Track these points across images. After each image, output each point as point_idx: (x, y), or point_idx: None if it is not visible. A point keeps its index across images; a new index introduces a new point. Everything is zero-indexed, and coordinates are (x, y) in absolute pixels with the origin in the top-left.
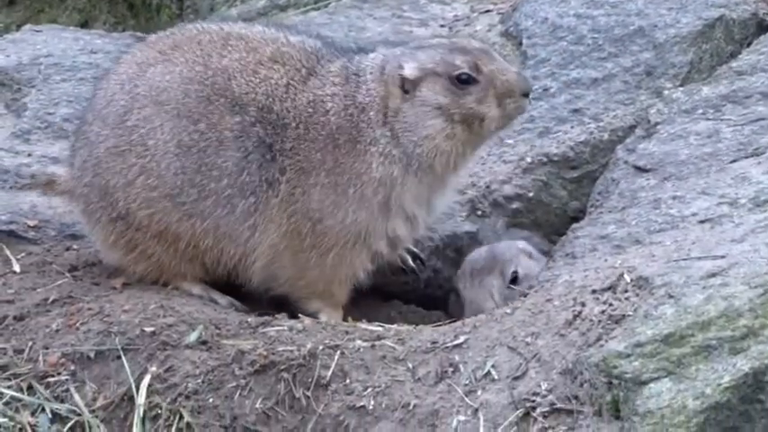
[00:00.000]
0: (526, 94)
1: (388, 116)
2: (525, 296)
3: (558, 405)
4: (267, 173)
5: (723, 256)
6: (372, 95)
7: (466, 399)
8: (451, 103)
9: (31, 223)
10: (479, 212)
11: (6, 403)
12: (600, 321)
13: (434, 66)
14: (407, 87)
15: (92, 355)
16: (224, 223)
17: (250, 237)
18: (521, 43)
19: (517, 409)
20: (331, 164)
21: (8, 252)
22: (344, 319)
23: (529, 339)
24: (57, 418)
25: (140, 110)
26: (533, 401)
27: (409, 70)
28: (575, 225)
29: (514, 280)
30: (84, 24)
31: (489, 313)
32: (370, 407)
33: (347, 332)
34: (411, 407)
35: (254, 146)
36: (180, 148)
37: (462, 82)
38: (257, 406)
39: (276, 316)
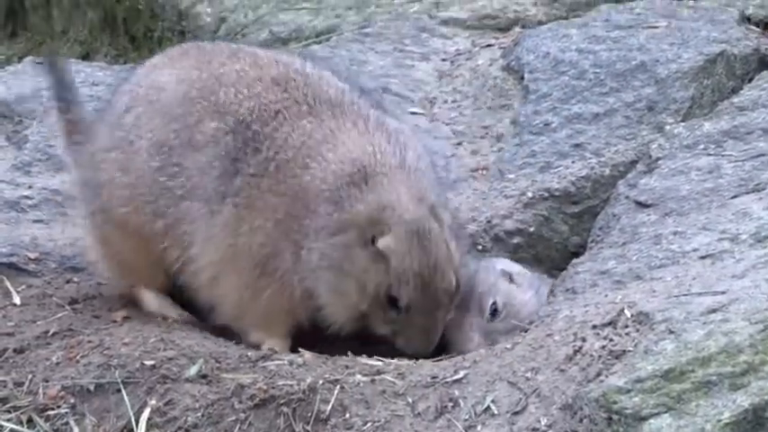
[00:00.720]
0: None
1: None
2: (526, 331)
3: None
4: (223, 186)
5: (724, 292)
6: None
7: None
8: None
9: (32, 256)
10: (480, 247)
11: None
12: (600, 357)
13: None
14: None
15: (92, 388)
16: (175, 224)
17: (191, 243)
18: (522, 78)
19: None
20: (282, 215)
21: (8, 284)
22: (293, 350)
23: (529, 374)
24: None
25: (136, 109)
26: None
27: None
28: (575, 260)
29: (494, 312)
30: (86, 57)
31: (489, 348)
32: None
33: (347, 366)
34: None
35: (220, 154)
36: (154, 146)
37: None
38: None
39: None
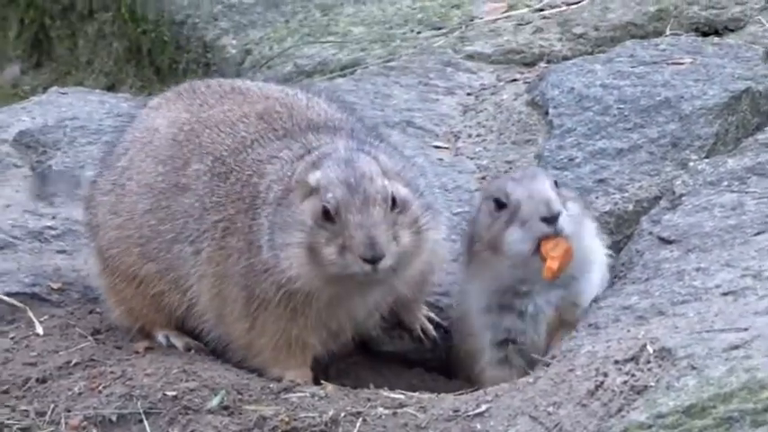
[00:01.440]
0: (366, 260)
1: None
2: (548, 365)
3: None
4: (202, 223)
5: (746, 329)
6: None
7: None
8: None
9: (55, 286)
10: None
11: None
12: (622, 392)
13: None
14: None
15: (114, 418)
16: (170, 268)
17: (189, 287)
18: (547, 113)
19: None
20: (247, 228)
21: (31, 314)
22: (317, 382)
23: (551, 409)
24: None
25: (131, 152)
26: None
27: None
28: (598, 295)
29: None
30: (111, 87)
31: (512, 383)
32: None
33: (369, 399)
34: None
35: (198, 195)
36: (143, 188)
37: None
38: None
39: (299, 382)
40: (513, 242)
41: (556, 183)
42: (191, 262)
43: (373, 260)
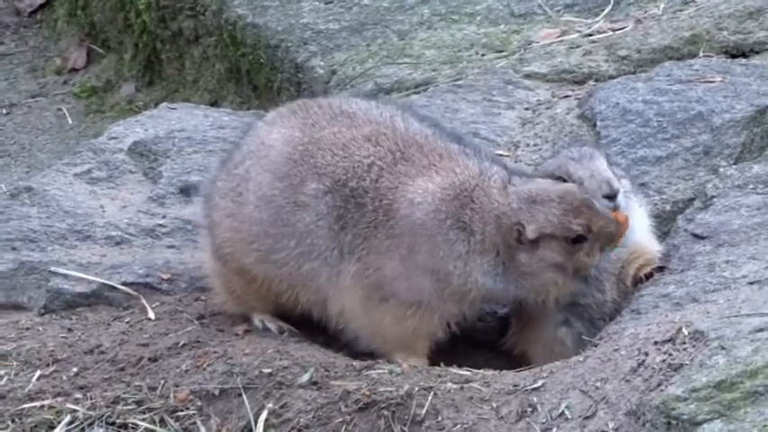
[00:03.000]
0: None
1: (500, 253)
2: (596, 345)
3: None
4: (336, 243)
5: None
6: (483, 229)
7: None
8: (566, 261)
9: (165, 276)
10: None
11: None
12: (661, 369)
13: (553, 230)
14: (524, 240)
15: (216, 392)
16: (297, 275)
17: (324, 293)
18: (595, 125)
19: None
20: (406, 251)
21: (144, 301)
22: (433, 365)
23: (598, 384)
24: None
25: (248, 162)
26: None
27: (530, 233)
28: (639, 285)
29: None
30: (214, 103)
31: (564, 361)
32: None
33: (440, 375)
34: None
35: (323, 213)
36: (261, 201)
37: (575, 242)
38: None
39: (378, 360)
40: None
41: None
42: (325, 280)
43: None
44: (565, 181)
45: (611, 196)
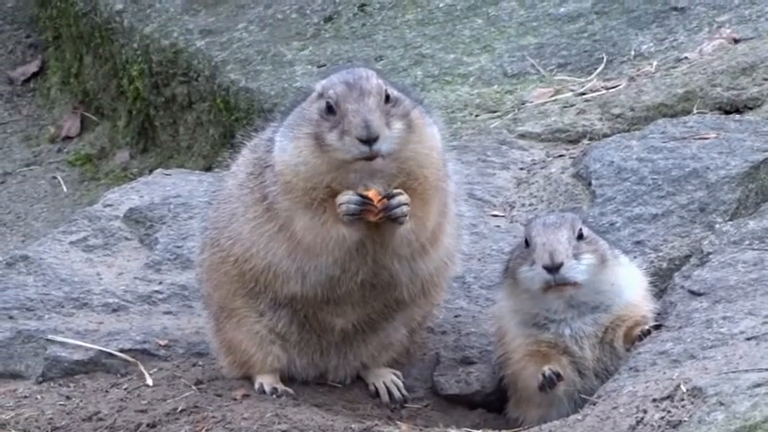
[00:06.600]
0: (362, 140)
1: None
2: (594, 404)
3: None
4: None
5: (767, 369)
6: None
7: None
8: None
9: (162, 342)
10: None
11: None
12: (660, 426)
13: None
14: None
15: None
16: None
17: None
18: (590, 183)
19: None
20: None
21: (142, 367)
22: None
23: None
24: None
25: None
26: None
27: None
28: (637, 342)
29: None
30: (209, 168)
31: (563, 419)
32: None
33: None
34: None
35: None
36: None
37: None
38: None
39: (377, 423)
40: (524, 278)
41: (581, 234)
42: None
43: (368, 140)
44: (528, 243)
45: (550, 268)
